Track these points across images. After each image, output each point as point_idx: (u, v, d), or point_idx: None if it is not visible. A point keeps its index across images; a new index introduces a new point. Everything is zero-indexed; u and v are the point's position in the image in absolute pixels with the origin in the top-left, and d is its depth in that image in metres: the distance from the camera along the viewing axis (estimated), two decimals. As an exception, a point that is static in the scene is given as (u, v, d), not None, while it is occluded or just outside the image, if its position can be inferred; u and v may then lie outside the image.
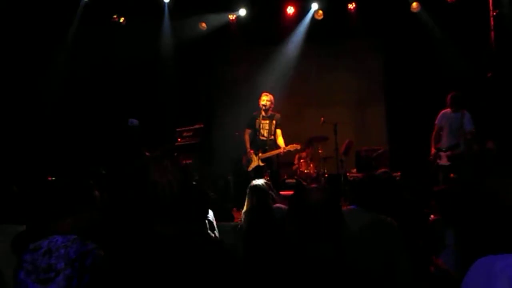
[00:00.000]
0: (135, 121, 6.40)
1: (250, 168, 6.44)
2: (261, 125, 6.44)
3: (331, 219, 1.28)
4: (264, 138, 6.42)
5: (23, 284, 1.85)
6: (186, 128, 7.48)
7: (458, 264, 2.16)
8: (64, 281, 1.82)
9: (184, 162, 7.26)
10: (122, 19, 8.47)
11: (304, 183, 7.25)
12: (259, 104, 6.47)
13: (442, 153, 6.08)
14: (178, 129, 7.53)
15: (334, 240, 1.33)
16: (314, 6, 8.14)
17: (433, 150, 6.19)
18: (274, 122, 6.43)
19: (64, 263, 1.83)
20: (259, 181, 3.60)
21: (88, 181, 2.23)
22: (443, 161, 6.06)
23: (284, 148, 6.33)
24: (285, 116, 7.01)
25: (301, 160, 7.73)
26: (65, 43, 7.88)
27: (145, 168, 1.91)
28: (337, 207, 1.40)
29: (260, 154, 6.36)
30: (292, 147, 6.39)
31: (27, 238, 2.12)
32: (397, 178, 6.67)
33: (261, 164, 6.36)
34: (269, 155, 6.39)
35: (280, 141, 6.43)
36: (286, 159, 7.56)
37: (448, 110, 6.11)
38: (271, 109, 6.47)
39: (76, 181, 2.17)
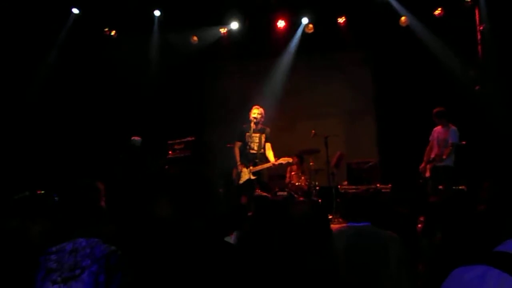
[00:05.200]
0: (138, 140, 6.29)
1: (241, 182, 6.38)
2: (251, 139, 6.40)
3: (316, 232, 1.26)
4: (254, 152, 6.37)
5: (41, 286, 1.91)
6: (178, 141, 7.46)
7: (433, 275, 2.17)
8: (89, 278, 1.89)
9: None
10: (113, 32, 8.49)
11: (296, 195, 7.21)
12: (249, 117, 6.45)
13: (428, 166, 6.41)
14: (169, 142, 7.50)
15: (321, 253, 1.30)
16: (305, 20, 8.24)
17: (422, 165, 6.49)
18: (264, 136, 6.40)
19: (90, 261, 1.92)
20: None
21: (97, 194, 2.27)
22: (427, 174, 6.41)
23: (276, 161, 6.29)
24: (277, 129, 7.00)
25: (292, 173, 7.72)
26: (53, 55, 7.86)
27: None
28: (322, 221, 1.38)
29: (251, 168, 6.32)
30: (284, 160, 6.33)
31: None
32: (388, 190, 6.69)
33: (252, 177, 6.31)
34: (260, 169, 6.35)
35: (270, 155, 6.39)
36: (278, 172, 7.53)
37: (439, 126, 6.38)
38: (261, 122, 6.43)
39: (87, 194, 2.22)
